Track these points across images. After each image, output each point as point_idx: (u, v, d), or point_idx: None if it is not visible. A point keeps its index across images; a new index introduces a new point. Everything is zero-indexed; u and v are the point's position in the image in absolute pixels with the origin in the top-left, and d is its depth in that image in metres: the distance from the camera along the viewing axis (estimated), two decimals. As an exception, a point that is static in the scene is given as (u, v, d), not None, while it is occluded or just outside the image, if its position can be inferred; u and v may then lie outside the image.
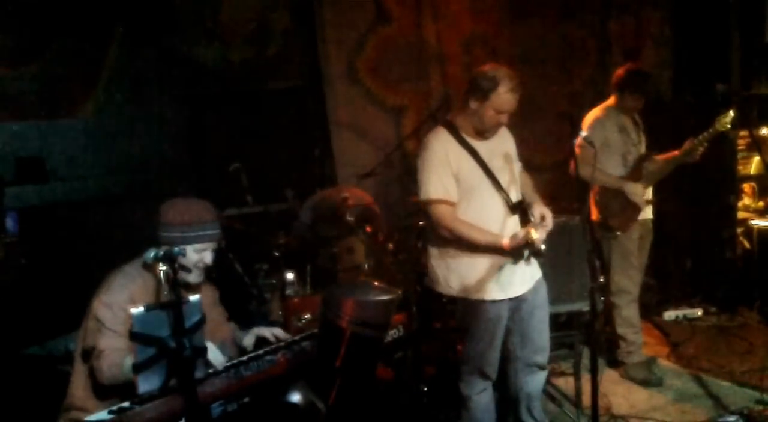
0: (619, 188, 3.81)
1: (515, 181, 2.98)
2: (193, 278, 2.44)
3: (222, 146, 4.90)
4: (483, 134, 2.88)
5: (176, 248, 1.95)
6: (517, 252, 2.83)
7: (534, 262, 2.98)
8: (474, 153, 2.85)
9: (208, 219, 2.41)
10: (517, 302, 2.98)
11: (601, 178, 3.78)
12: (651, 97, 4.03)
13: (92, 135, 4.66)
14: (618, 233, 3.84)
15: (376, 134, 5.38)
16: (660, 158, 3.93)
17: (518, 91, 2.76)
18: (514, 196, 2.93)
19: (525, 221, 2.88)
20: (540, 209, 2.85)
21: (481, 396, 3.07)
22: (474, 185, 2.84)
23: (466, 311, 2.95)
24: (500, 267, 2.88)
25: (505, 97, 2.74)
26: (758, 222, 5.22)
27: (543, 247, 2.78)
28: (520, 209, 2.87)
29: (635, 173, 3.87)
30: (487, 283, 2.87)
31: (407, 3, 5.32)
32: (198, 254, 2.40)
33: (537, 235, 2.68)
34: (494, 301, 2.90)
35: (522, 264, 2.92)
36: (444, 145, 2.85)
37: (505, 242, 2.74)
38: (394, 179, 5.37)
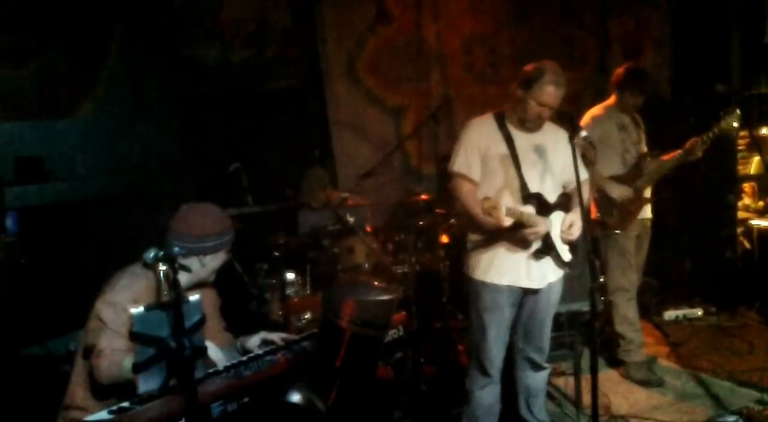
0: (602, 187, 3.78)
1: (547, 179, 2.97)
2: (212, 277, 2.56)
3: (222, 146, 4.89)
4: (525, 124, 2.95)
5: (176, 248, 1.95)
6: (524, 242, 2.90)
7: (551, 265, 3.01)
8: (509, 140, 2.94)
9: (228, 224, 2.51)
10: (522, 298, 3.03)
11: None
12: (651, 96, 4.04)
13: (92, 135, 4.66)
14: (616, 231, 3.84)
15: (376, 134, 5.38)
16: (662, 157, 3.93)
17: (562, 86, 2.81)
18: (536, 189, 2.93)
19: (542, 214, 2.90)
20: (571, 218, 2.91)
21: (484, 392, 3.11)
22: (494, 168, 2.93)
23: (469, 290, 3.07)
24: (507, 255, 2.95)
25: (547, 89, 2.80)
26: (758, 222, 5.22)
27: (568, 257, 2.92)
28: (537, 201, 2.90)
29: (634, 172, 3.87)
30: (489, 266, 2.98)
31: (407, 3, 5.32)
32: (223, 257, 2.51)
33: (540, 228, 2.78)
34: (493, 285, 2.96)
35: (531, 259, 2.96)
36: (481, 127, 3.00)
37: (504, 221, 2.75)
38: (394, 179, 5.37)
